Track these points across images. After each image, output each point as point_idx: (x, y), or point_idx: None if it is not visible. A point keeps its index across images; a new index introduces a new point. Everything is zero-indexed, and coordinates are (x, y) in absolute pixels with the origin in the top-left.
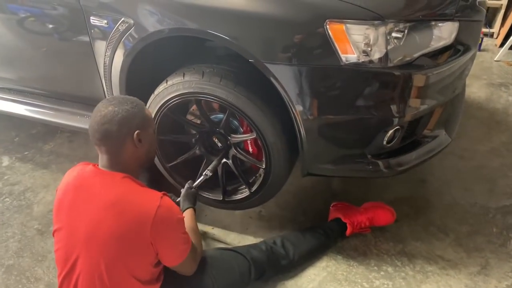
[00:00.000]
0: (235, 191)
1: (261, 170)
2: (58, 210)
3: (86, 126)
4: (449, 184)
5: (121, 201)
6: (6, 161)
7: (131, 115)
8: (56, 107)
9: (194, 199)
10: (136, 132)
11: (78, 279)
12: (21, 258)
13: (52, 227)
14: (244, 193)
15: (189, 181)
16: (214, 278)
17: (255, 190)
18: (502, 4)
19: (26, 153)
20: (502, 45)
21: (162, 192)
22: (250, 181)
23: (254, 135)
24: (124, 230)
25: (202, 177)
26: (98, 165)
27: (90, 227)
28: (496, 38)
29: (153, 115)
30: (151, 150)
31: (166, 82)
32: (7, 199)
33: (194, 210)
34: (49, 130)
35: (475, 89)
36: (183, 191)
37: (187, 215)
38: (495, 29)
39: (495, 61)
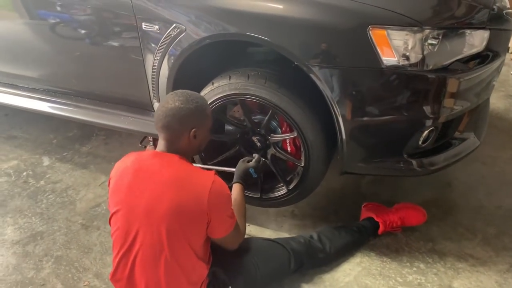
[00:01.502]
0: (272, 189)
1: (299, 168)
2: (115, 192)
3: (130, 127)
4: (474, 188)
5: (180, 178)
6: (46, 161)
7: (193, 115)
8: (100, 108)
9: (241, 174)
10: (193, 130)
11: (138, 254)
12: (69, 250)
13: (107, 216)
14: (281, 190)
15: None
16: (257, 266)
17: (292, 188)
18: None
19: (64, 154)
20: None
21: (213, 171)
22: (288, 179)
23: (294, 135)
24: (184, 202)
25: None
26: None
27: (151, 201)
28: (511, 52)
29: None
30: (203, 144)
31: (213, 84)
32: (50, 195)
33: (243, 186)
34: (84, 133)
35: (494, 100)
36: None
37: (235, 189)
38: (511, 44)
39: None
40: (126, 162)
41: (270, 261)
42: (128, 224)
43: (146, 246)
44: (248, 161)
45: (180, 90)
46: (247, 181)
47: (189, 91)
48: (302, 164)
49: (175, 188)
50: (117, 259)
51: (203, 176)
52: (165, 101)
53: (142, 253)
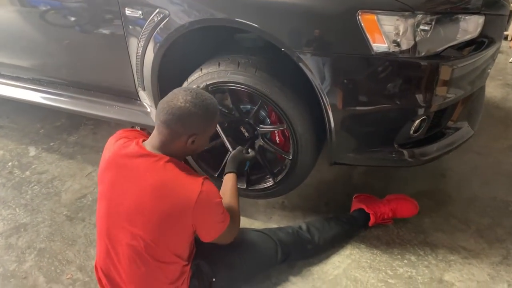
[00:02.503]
0: (259, 180)
1: (287, 160)
2: (101, 185)
3: (115, 116)
4: (468, 179)
5: (164, 186)
6: (33, 151)
7: (199, 122)
8: (86, 98)
9: (237, 164)
10: (192, 136)
11: (119, 251)
12: (52, 242)
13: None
14: (268, 182)
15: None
16: (243, 257)
17: (279, 180)
18: None
19: (51, 144)
20: None
21: (204, 176)
22: (275, 171)
23: (283, 127)
24: (167, 213)
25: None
26: (143, 140)
27: (133, 206)
28: (510, 40)
29: None
30: (199, 149)
31: (201, 71)
32: (35, 186)
33: (236, 175)
34: (72, 123)
35: (491, 89)
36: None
37: (230, 179)
38: (509, 32)
39: (510, 62)
40: (115, 148)
41: (256, 252)
42: (109, 220)
43: (126, 246)
44: (246, 153)
45: (194, 89)
46: (240, 171)
47: (203, 92)
48: (290, 157)
49: (158, 197)
50: (103, 252)
51: (189, 186)
52: (175, 96)
53: (122, 251)
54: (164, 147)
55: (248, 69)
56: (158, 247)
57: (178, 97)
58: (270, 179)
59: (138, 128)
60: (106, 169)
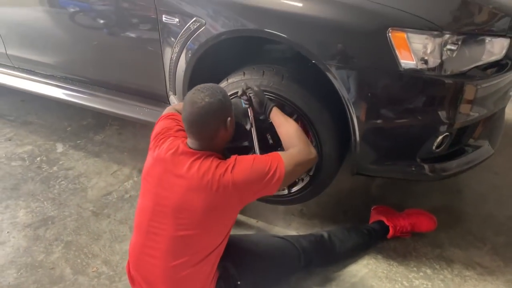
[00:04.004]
0: None
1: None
2: (147, 180)
3: (144, 118)
4: (484, 197)
5: (206, 179)
6: (60, 148)
7: (224, 105)
8: (117, 98)
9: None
10: (228, 119)
11: (158, 248)
12: (79, 235)
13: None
14: (282, 191)
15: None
16: (267, 262)
17: (294, 192)
18: None
19: (78, 142)
20: None
21: (234, 156)
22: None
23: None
24: (214, 204)
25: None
26: (187, 141)
27: (181, 202)
28: None
29: None
30: (232, 133)
31: (227, 80)
32: (63, 182)
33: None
34: (98, 122)
35: (509, 110)
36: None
37: (275, 114)
38: None
39: None
40: (160, 148)
41: (280, 258)
42: (154, 214)
43: (168, 239)
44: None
45: (199, 86)
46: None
47: (207, 84)
48: (311, 173)
49: (203, 188)
50: (136, 247)
51: (224, 170)
52: (192, 102)
53: (160, 246)
54: (206, 146)
55: (274, 77)
56: (204, 238)
57: (195, 101)
58: (285, 188)
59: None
60: (153, 165)
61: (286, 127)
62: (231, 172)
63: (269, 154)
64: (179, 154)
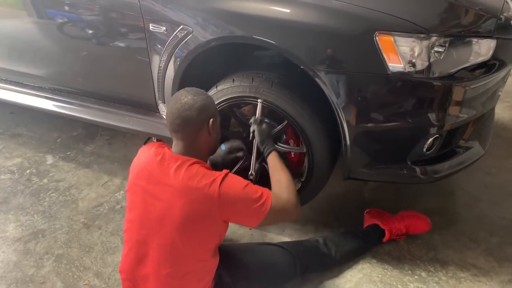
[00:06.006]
0: None
1: (296, 180)
2: (132, 193)
3: (134, 127)
4: (477, 197)
5: (191, 186)
6: (50, 159)
7: (208, 104)
8: (106, 108)
9: (269, 139)
10: (211, 120)
11: (150, 259)
12: (70, 248)
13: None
14: None
15: (252, 118)
16: (262, 270)
17: None
18: None
19: (68, 153)
20: None
21: (225, 170)
22: None
23: (303, 150)
24: (195, 212)
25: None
26: (171, 149)
27: (165, 209)
28: None
29: None
30: (218, 138)
31: (216, 87)
32: (53, 194)
33: (276, 151)
34: (89, 133)
35: (499, 111)
36: (254, 129)
37: (272, 159)
38: None
39: None
40: (142, 164)
41: (275, 266)
42: (142, 226)
43: (157, 248)
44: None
45: (184, 88)
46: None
47: (193, 87)
48: (303, 179)
49: (185, 196)
50: (129, 257)
51: (211, 182)
52: (176, 99)
53: (152, 257)
54: (190, 150)
55: (263, 83)
56: (187, 248)
57: (179, 98)
58: None
59: (154, 139)
60: (138, 178)
61: (279, 174)
62: (220, 184)
63: (262, 187)
64: (165, 160)
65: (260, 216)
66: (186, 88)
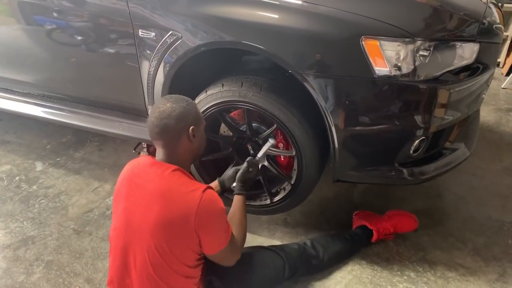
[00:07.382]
0: (255, 197)
1: (286, 183)
2: (116, 200)
3: (124, 133)
4: (464, 199)
5: (170, 191)
6: (39, 166)
7: (187, 112)
8: (95, 114)
9: (248, 185)
10: (191, 128)
11: (134, 268)
12: (60, 254)
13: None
14: (264, 201)
15: (249, 158)
16: (252, 274)
17: (277, 201)
18: (508, 36)
19: (58, 159)
20: (508, 74)
21: (207, 185)
22: (273, 191)
23: (292, 153)
24: (171, 218)
25: (267, 143)
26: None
27: (143, 214)
28: (502, 67)
29: None
30: (202, 145)
31: (206, 92)
32: (42, 200)
33: (245, 197)
34: (78, 139)
35: (484, 114)
36: (240, 171)
37: (236, 203)
38: (501, 59)
39: (502, 88)
40: (129, 166)
41: (265, 269)
42: (124, 233)
43: (140, 256)
44: (254, 157)
45: (165, 96)
46: (247, 188)
47: (175, 95)
48: (292, 182)
49: (163, 202)
50: (116, 271)
51: (192, 192)
52: (155, 107)
53: (136, 265)
54: (171, 157)
55: (252, 88)
56: (167, 256)
57: (157, 106)
58: (268, 198)
59: (144, 145)
60: (121, 185)
61: (242, 219)
62: (202, 192)
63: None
64: (147, 167)
65: (221, 245)
66: (166, 96)
